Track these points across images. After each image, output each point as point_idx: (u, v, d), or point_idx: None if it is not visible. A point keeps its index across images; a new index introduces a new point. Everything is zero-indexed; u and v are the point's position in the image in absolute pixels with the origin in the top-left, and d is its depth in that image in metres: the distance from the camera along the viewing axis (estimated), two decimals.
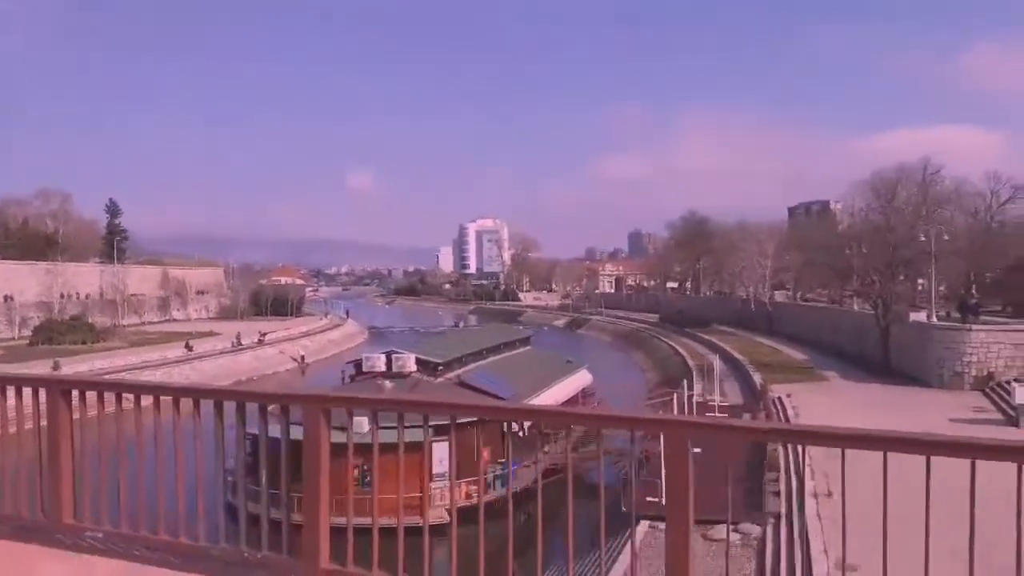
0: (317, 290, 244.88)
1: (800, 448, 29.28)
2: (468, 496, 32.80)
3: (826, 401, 40.87)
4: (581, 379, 49.78)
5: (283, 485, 5.53)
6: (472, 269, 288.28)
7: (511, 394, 37.64)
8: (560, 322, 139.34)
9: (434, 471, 32.35)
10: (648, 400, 53.79)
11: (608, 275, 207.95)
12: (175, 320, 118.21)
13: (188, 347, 76.56)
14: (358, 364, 38.83)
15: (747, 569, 19.04)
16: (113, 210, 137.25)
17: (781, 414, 37.42)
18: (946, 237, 52.91)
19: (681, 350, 76.95)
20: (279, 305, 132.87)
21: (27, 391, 5.56)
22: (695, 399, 44.65)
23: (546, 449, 38.36)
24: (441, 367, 37.99)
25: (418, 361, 37.29)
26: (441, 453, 33.59)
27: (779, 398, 41.05)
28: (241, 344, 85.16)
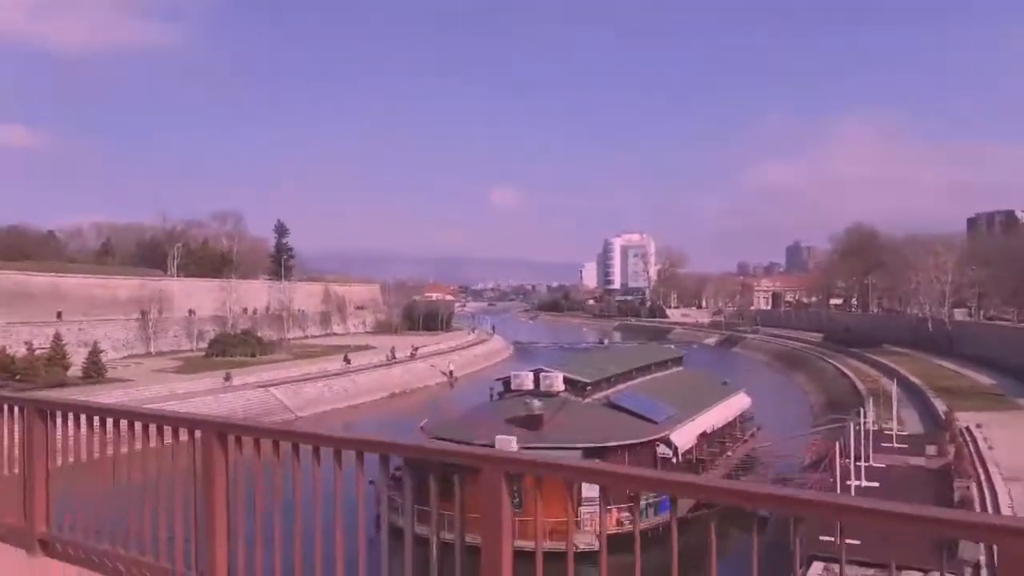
0: (464, 305, 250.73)
1: (1006, 489, 25.59)
2: (619, 524, 31.31)
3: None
4: (739, 402, 46.76)
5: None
6: (616, 284, 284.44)
7: (664, 417, 35.76)
8: (711, 340, 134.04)
9: (584, 495, 31.19)
10: (814, 427, 49.83)
11: (764, 291, 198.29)
12: (335, 334, 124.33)
13: (346, 360, 79.86)
14: (506, 381, 38.32)
15: None
16: (281, 230, 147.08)
17: (970, 447, 33.07)
18: None
19: (848, 372, 71.23)
20: (430, 320, 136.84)
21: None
22: (868, 427, 40.67)
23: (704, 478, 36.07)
24: (590, 387, 36.72)
25: (566, 380, 36.23)
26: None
27: (967, 428, 36.43)
28: (395, 358, 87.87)
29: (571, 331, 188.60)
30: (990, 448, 30.99)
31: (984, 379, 56.45)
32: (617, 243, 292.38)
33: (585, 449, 31.29)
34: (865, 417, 45.45)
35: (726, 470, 38.84)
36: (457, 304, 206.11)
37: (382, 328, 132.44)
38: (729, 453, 40.94)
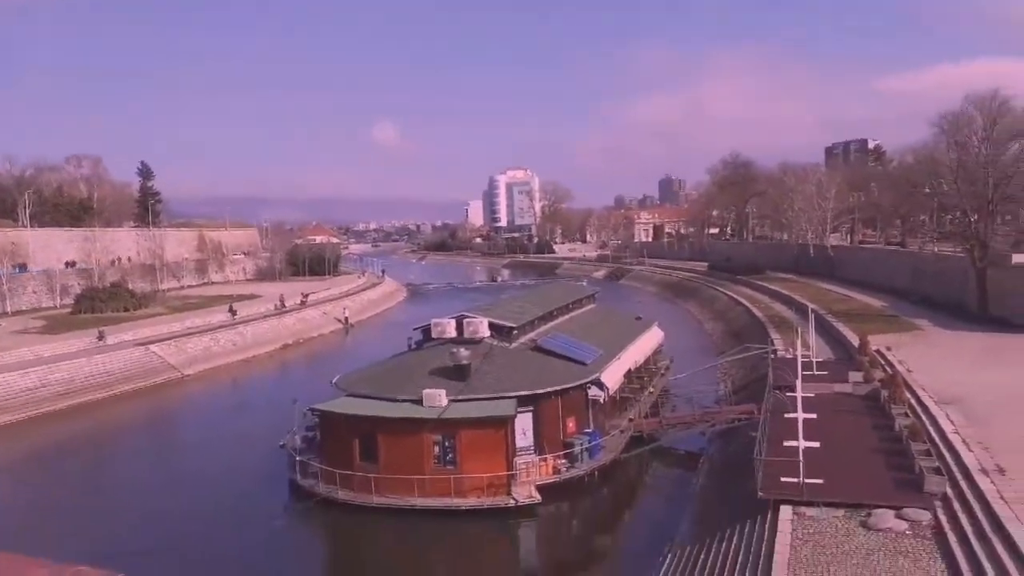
0: (347, 248, 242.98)
1: (943, 413, 26.14)
2: (556, 471, 30.25)
3: (932, 353, 37.37)
4: (655, 337, 46.68)
5: None
6: (503, 222, 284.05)
7: (592, 359, 34.71)
8: (600, 274, 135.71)
9: (517, 444, 29.77)
10: (720, 357, 50.66)
11: (644, 223, 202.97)
12: (213, 283, 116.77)
13: (232, 311, 74.64)
14: (426, 329, 35.96)
15: (935, 569, 16.02)
16: (145, 173, 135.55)
17: (889, 370, 34.04)
18: None
19: (742, 300, 73.26)
20: (316, 264, 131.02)
21: None
22: (783, 355, 41.45)
23: (631, 417, 35.57)
24: (516, 331, 35.06)
25: (491, 325, 34.37)
26: (524, 424, 31.14)
27: (878, 351, 37.59)
28: (285, 306, 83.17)
29: (461, 270, 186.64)
30: (909, 371, 31.88)
31: (873, 301, 59.16)
32: (502, 180, 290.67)
33: (519, 397, 29.80)
34: (774, 345, 46.72)
35: (649, 406, 38.57)
36: (342, 247, 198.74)
37: (264, 275, 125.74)
38: (651, 389, 40.70)
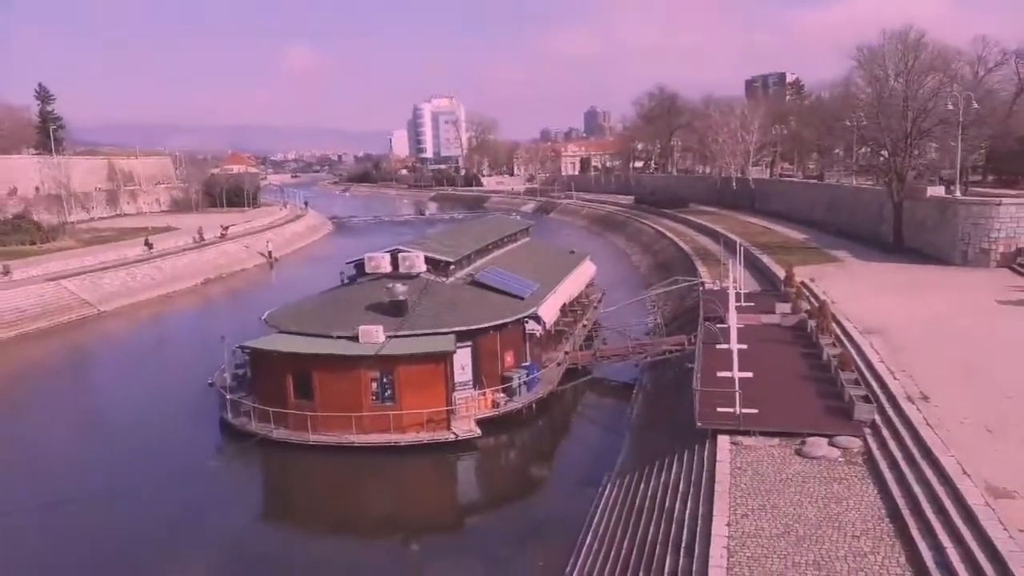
0: (266, 178, 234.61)
1: (868, 343, 27.32)
2: (495, 405, 30.43)
3: (854, 284, 38.88)
4: (587, 271, 46.96)
5: None
6: (429, 153, 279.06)
7: (529, 293, 34.70)
8: (528, 207, 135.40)
9: (456, 380, 29.72)
10: (648, 288, 51.53)
11: (571, 156, 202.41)
12: (126, 215, 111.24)
13: (148, 245, 71.35)
14: (359, 264, 35.03)
15: (867, 494, 16.88)
16: (44, 96, 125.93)
17: (813, 300, 35.30)
18: (950, 107, 49.77)
19: (668, 233, 74.49)
20: (234, 195, 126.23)
21: None
22: (710, 286, 42.44)
23: (567, 349, 35.96)
24: (453, 266, 34.58)
25: (427, 260, 33.78)
26: (463, 360, 31.06)
27: (802, 283, 38.88)
28: (204, 239, 79.97)
29: (387, 203, 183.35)
30: (832, 302, 33.09)
31: (795, 234, 61.02)
32: (427, 109, 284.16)
33: (457, 332, 29.61)
34: (701, 277, 47.77)
35: (583, 339, 39.09)
36: (261, 178, 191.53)
37: (180, 206, 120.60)
38: (584, 323, 41.15)
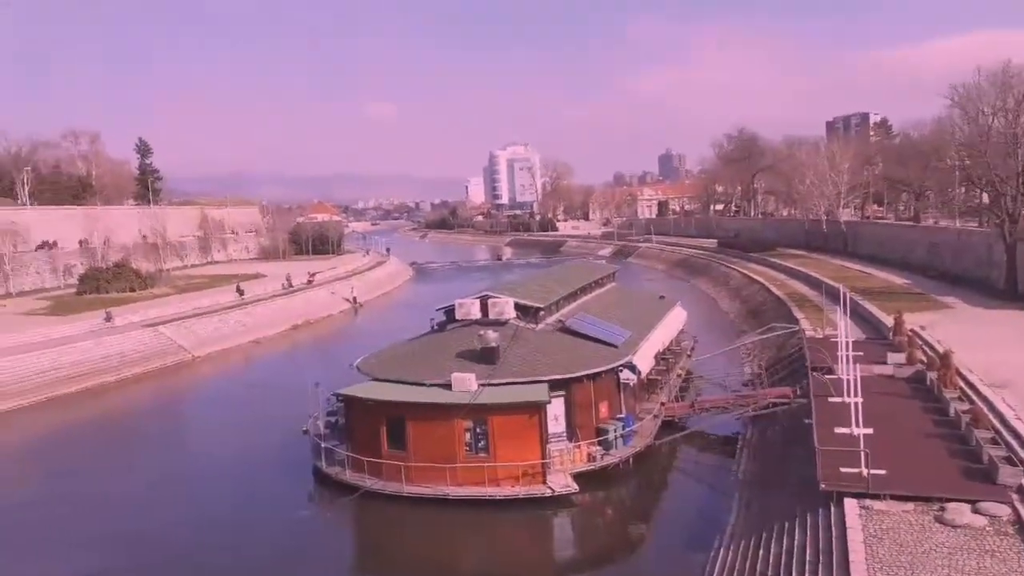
0: (348, 226, 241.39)
1: (999, 398, 25.15)
2: (590, 459, 29.31)
3: (969, 333, 36.27)
4: (679, 317, 45.59)
5: None
6: (504, 199, 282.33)
7: (622, 340, 33.66)
8: (606, 252, 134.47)
9: (549, 431, 28.78)
10: (748, 337, 49.50)
11: (647, 199, 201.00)
12: (217, 262, 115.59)
13: (239, 291, 73.54)
14: (449, 310, 34.87)
15: None
16: (143, 149, 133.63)
17: (927, 350, 33.05)
18: None
19: (757, 277, 72.16)
20: (319, 243, 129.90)
21: None
22: (812, 335, 40.40)
23: (662, 400, 34.62)
24: (543, 312, 33.97)
25: (517, 306, 33.29)
26: (556, 410, 30.16)
27: (912, 331, 36.58)
28: (292, 286, 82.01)
29: (464, 249, 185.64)
30: (951, 353, 30.81)
31: (895, 278, 58.10)
32: (502, 156, 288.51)
33: (551, 381, 28.80)
34: (799, 325, 45.69)
35: (677, 389, 37.68)
36: (344, 226, 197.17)
37: (267, 254, 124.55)
38: (680, 371, 39.75)
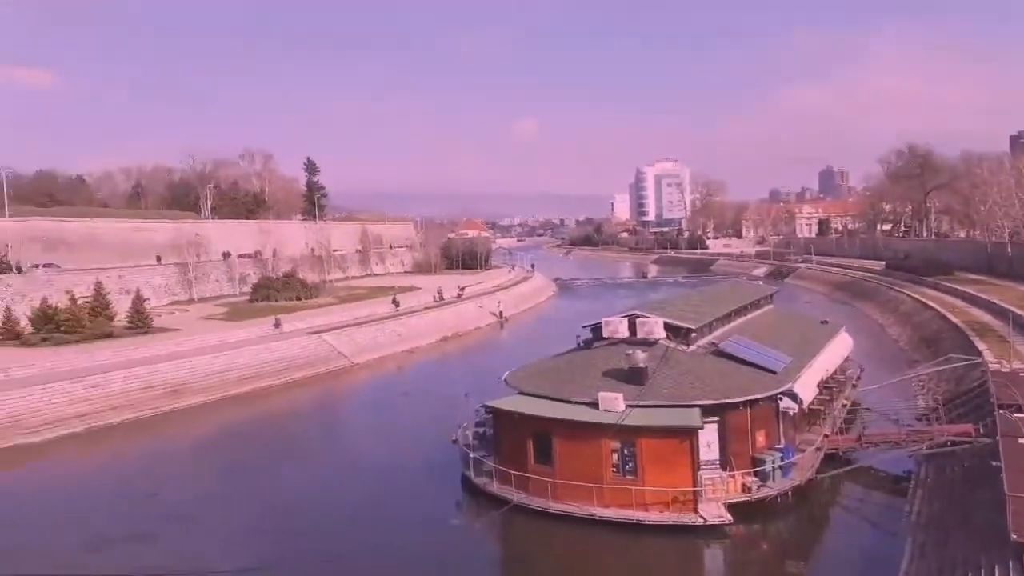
0: (495, 242, 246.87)
1: None
2: (745, 489, 27.94)
3: None
4: (844, 344, 42.75)
5: None
6: (651, 216, 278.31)
7: (782, 366, 31.89)
8: (760, 271, 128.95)
9: (701, 458, 27.68)
10: (923, 368, 45.57)
11: (807, 218, 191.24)
12: (374, 275, 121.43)
13: (395, 303, 76.77)
14: (596, 328, 34.51)
15: None
16: (311, 168, 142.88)
17: None
18: None
19: (932, 303, 66.48)
20: (468, 258, 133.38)
21: None
22: (997, 368, 36.57)
23: (825, 432, 32.46)
24: (694, 333, 32.87)
25: (667, 326, 32.40)
26: (709, 437, 28.99)
27: None
28: (443, 299, 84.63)
29: (608, 266, 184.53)
30: None
31: None
32: (650, 172, 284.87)
33: (703, 406, 27.69)
34: (982, 356, 41.52)
35: (842, 421, 35.20)
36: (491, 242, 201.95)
37: (420, 268, 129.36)
38: (845, 402, 37.20)
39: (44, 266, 73.10)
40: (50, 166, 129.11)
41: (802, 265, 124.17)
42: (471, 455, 30.79)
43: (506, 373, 33.72)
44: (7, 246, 72.23)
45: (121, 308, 62.98)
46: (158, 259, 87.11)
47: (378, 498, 30.62)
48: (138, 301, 62.74)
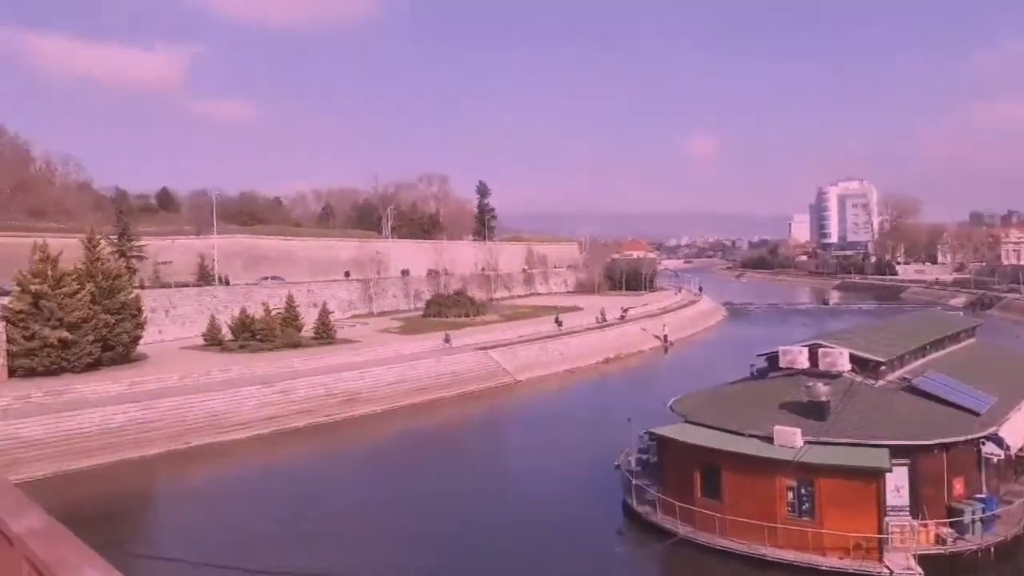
0: (660, 263, 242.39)
1: None
2: (939, 541, 25.20)
3: None
4: None
5: None
6: (833, 238, 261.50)
7: (987, 407, 28.61)
8: (958, 301, 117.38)
9: (888, 503, 25.31)
10: None
11: (1015, 243, 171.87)
12: (538, 294, 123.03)
13: (558, 323, 77.24)
14: (772, 357, 32.70)
15: None
16: (483, 191, 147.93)
17: None
18: None
19: None
20: (632, 279, 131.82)
21: None
22: None
23: None
24: (884, 367, 30.27)
25: (852, 358, 30.08)
26: (898, 480, 26.50)
27: None
28: (605, 320, 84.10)
29: (784, 290, 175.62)
30: None
31: None
32: (833, 192, 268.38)
33: (892, 447, 25.34)
34: None
35: None
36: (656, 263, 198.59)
37: (583, 288, 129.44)
38: None
39: (271, 279, 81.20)
40: (251, 187, 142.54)
41: (1009, 295, 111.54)
42: (634, 482, 30.08)
43: (672, 399, 32.73)
44: (213, 260, 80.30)
45: (309, 319, 67.85)
46: (347, 274, 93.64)
47: (536, 516, 30.53)
48: (324, 313, 67.33)
